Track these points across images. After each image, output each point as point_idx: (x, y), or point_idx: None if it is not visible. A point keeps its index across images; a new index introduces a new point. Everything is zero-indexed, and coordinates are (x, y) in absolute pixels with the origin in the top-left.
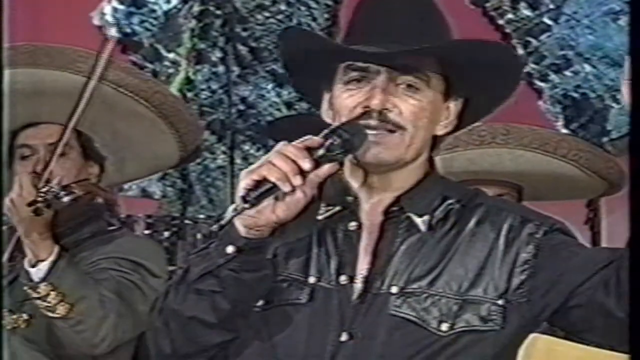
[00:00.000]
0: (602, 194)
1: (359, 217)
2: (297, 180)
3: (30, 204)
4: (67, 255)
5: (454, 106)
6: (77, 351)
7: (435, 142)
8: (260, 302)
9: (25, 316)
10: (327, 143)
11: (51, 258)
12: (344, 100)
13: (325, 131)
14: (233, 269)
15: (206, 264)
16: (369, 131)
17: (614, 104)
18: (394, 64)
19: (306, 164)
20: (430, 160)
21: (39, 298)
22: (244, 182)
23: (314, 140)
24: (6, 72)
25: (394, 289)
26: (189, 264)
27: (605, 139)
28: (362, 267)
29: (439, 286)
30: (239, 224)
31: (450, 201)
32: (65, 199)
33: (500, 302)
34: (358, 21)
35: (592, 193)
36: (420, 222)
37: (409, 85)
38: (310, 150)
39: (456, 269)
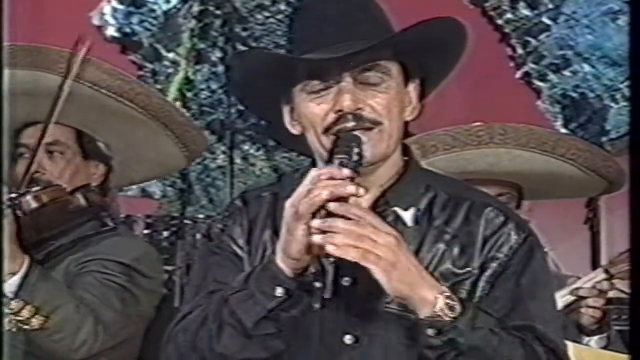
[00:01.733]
0: (601, 193)
1: None
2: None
3: None
4: (38, 266)
5: (413, 89)
6: (58, 358)
7: (405, 129)
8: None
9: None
10: (352, 164)
11: (22, 271)
12: (313, 110)
13: (339, 156)
14: (284, 309)
15: (256, 309)
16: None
17: (612, 104)
18: (353, 65)
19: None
20: (406, 149)
21: (12, 313)
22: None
23: (342, 172)
24: (6, 72)
25: None
26: (221, 304)
27: (604, 139)
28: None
29: None
30: (283, 265)
31: (434, 191)
32: (30, 207)
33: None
34: (301, 30)
35: (591, 192)
36: (406, 215)
37: (373, 82)
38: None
39: (445, 263)
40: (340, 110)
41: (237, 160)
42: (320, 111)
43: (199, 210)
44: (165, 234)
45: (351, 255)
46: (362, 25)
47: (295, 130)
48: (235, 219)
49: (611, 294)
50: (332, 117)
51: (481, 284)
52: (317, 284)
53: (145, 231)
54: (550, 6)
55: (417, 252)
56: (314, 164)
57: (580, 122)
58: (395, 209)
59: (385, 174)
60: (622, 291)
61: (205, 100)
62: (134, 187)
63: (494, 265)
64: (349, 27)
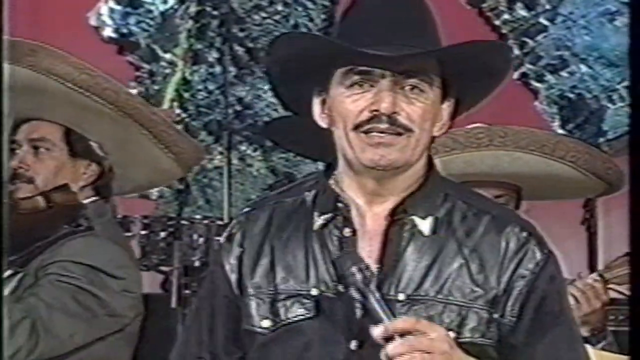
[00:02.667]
0: (600, 195)
1: (352, 223)
2: None
3: None
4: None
5: (447, 107)
6: None
7: (431, 142)
8: (267, 324)
9: None
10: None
11: None
12: (348, 105)
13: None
14: None
15: None
16: (376, 134)
17: (609, 105)
18: (401, 67)
19: None
20: (429, 161)
21: None
22: None
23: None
24: (5, 67)
25: (401, 296)
26: None
27: (601, 139)
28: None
29: (446, 293)
30: None
31: (452, 200)
32: None
33: (495, 316)
34: (352, 25)
35: (590, 193)
36: (423, 225)
37: (414, 87)
38: None
39: (462, 277)
40: (376, 110)
41: (234, 161)
42: (355, 107)
43: (196, 211)
44: (162, 234)
45: None
46: (415, 30)
47: (323, 123)
48: (230, 245)
49: (605, 298)
50: (366, 115)
51: (510, 302)
52: (314, 292)
53: (143, 232)
54: (548, 7)
55: (433, 262)
56: (328, 167)
57: (578, 123)
58: (413, 217)
59: (406, 182)
60: (618, 292)
61: (202, 101)
62: None
63: (521, 283)
64: (404, 31)
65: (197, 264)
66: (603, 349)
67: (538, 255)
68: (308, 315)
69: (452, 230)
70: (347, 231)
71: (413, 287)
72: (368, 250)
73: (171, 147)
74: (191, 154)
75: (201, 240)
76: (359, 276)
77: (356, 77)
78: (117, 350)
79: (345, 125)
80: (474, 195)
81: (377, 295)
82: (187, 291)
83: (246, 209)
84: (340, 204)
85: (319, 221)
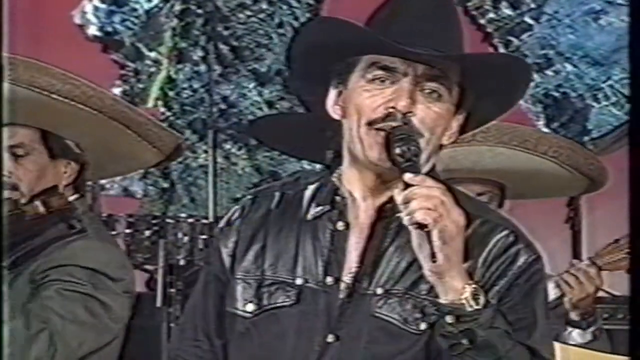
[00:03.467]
0: (583, 192)
1: (346, 217)
2: None
3: None
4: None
5: (459, 118)
6: None
7: (439, 150)
8: (250, 308)
9: None
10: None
11: None
12: (365, 99)
13: (401, 148)
14: None
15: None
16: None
17: (594, 103)
18: (425, 70)
19: None
20: (433, 167)
21: None
22: None
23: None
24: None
25: (379, 290)
26: None
27: (586, 138)
28: (350, 266)
29: (422, 288)
30: None
31: None
32: None
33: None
34: (386, 19)
35: (573, 190)
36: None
37: (433, 91)
38: None
39: None
40: (393, 108)
41: (219, 160)
42: (372, 103)
43: (181, 210)
44: (147, 233)
45: (422, 217)
46: (445, 36)
47: (335, 114)
48: (229, 230)
49: (598, 282)
50: (381, 112)
51: (488, 297)
52: (299, 281)
53: (127, 230)
54: (533, 6)
55: (415, 260)
56: (332, 162)
57: (562, 122)
58: (400, 215)
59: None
60: (604, 290)
61: (187, 100)
62: (115, 186)
63: (501, 282)
64: (434, 34)
65: (182, 262)
66: (591, 342)
67: (522, 258)
68: (287, 303)
69: None
70: (340, 225)
71: (392, 282)
72: (355, 243)
73: (155, 142)
74: (171, 146)
75: (186, 238)
76: None
77: (379, 72)
78: (114, 352)
79: (359, 119)
80: (470, 200)
81: None
82: (172, 290)
83: (249, 196)
84: (338, 197)
85: (312, 212)
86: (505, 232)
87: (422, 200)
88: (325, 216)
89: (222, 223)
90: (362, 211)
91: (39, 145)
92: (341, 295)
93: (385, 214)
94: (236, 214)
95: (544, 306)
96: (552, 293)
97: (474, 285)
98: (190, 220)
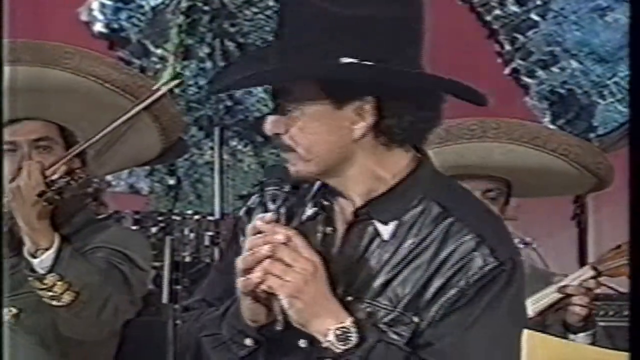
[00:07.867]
0: (590, 190)
1: (334, 221)
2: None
3: (41, 193)
4: (69, 243)
5: (359, 107)
6: (78, 337)
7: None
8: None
9: (14, 310)
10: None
11: (54, 247)
12: None
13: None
14: (259, 355)
15: (228, 355)
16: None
17: (600, 100)
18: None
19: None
20: (418, 162)
21: (44, 289)
22: None
23: (265, 219)
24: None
25: (349, 298)
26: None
27: (591, 135)
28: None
29: (382, 298)
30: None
31: (425, 204)
32: (73, 187)
33: (415, 319)
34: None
35: (580, 189)
36: (384, 229)
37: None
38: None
39: (410, 282)
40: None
41: (225, 157)
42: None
43: (187, 207)
44: (154, 230)
45: (267, 285)
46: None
47: None
48: (248, 218)
49: (598, 290)
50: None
51: (434, 308)
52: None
53: (134, 227)
54: (539, 2)
55: (385, 266)
56: None
57: (568, 119)
58: (374, 221)
59: (359, 184)
60: (610, 287)
61: (193, 97)
62: (122, 182)
63: (452, 292)
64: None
65: (188, 259)
66: (592, 344)
67: (477, 265)
68: None
69: (412, 235)
70: (328, 229)
71: (362, 289)
72: (339, 247)
73: (170, 136)
74: (179, 135)
75: (192, 235)
76: None
77: None
78: (112, 340)
79: None
80: (455, 196)
81: None
82: (178, 286)
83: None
84: (325, 202)
85: (307, 212)
86: (468, 237)
87: (265, 266)
88: (318, 217)
89: (241, 213)
90: (345, 215)
91: (60, 139)
92: (311, 358)
93: (361, 218)
94: (255, 204)
95: (498, 313)
96: (552, 297)
97: (344, 324)
98: (196, 217)
